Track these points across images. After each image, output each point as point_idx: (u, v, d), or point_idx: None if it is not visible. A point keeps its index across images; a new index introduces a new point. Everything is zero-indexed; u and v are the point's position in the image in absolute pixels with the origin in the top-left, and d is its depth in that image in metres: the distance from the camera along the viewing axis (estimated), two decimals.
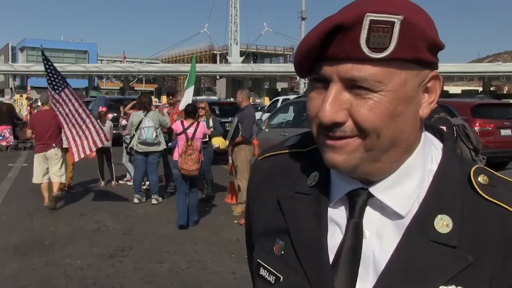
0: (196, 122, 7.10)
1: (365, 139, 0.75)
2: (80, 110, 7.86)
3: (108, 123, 10.22)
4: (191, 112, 7.20)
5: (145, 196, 8.60)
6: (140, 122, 8.29)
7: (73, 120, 7.81)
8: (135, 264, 5.37)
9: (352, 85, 0.74)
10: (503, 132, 10.65)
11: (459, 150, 4.60)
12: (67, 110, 7.79)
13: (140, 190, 8.57)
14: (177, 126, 7.12)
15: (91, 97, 31.44)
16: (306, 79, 0.85)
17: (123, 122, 10.14)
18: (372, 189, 0.81)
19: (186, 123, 7.05)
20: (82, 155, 8.00)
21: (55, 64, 8.26)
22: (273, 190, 0.92)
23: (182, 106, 9.19)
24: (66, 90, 7.86)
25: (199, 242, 6.22)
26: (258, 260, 0.91)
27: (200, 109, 8.69)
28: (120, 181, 10.32)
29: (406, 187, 0.80)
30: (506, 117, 10.88)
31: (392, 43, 0.71)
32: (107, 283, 4.84)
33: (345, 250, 0.80)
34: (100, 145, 8.12)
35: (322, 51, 0.75)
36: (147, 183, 8.96)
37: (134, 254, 5.74)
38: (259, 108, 19.65)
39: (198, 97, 26.47)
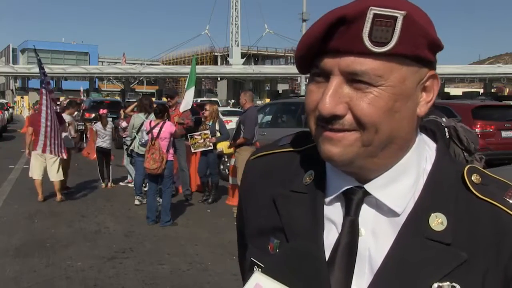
0: (162, 122, 7.20)
1: (363, 133, 0.76)
2: (53, 114, 8.30)
3: (109, 125, 10.21)
4: (159, 112, 7.38)
5: (145, 198, 8.59)
6: (141, 124, 8.29)
7: (49, 121, 8.23)
8: (136, 266, 5.37)
9: (353, 79, 0.75)
10: (504, 134, 10.64)
11: (452, 151, 4.65)
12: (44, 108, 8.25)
13: (141, 191, 8.56)
14: (146, 126, 7.38)
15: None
16: (307, 80, 0.85)
17: (123, 124, 10.15)
18: (368, 187, 0.81)
19: (154, 123, 7.23)
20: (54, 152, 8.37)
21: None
22: (267, 189, 0.91)
23: (182, 107, 9.19)
24: (43, 90, 8.36)
25: (200, 243, 6.22)
26: (252, 259, 0.90)
27: (204, 111, 8.67)
28: (120, 183, 10.33)
29: (401, 185, 0.81)
30: (507, 118, 10.86)
31: (394, 37, 0.72)
32: (108, 284, 4.84)
33: (341, 248, 0.80)
34: (59, 155, 8.45)
35: (324, 44, 0.75)
36: (148, 184, 8.95)
37: (135, 255, 5.73)
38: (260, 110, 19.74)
39: (199, 99, 26.54)
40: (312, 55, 0.78)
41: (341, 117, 0.76)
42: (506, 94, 42.06)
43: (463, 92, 41.22)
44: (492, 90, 49.08)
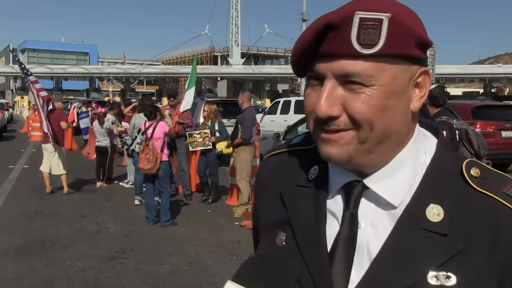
0: (155, 122, 7.24)
1: (359, 131, 0.79)
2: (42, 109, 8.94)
3: (106, 124, 10.18)
4: (150, 115, 7.40)
5: None
6: None
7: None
8: (136, 266, 5.37)
9: (346, 80, 0.78)
10: (504, 134, 10.65)
11: (460, 154, 4.60)
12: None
13: (141, 191, 8.55)
14: (141, 126, 7.47)
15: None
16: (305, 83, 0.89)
17: (124, 124, 10.13)
18: (366, 181, 0.84)
19: (148, 124, 7.28)
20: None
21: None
22: (277, 185, 0.96)
23: (182, 107, 9.18)
24: (31, 86, 9.04)
25: (200, 243, 6.22)
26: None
27: (203, 112, 8.65)
28: (120, 183, 10.33)
29: (398, 178, 0.83)
30: (507, 118, 10.88)
31: (381, 39, 0.75)
32: (108, 284, 4.84)
33: (342, 239, 0.83)
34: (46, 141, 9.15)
35: (316, 49, 0.79)
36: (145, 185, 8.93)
37: (135, 255, 5.73)
38: (259, 110, 19.65)
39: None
40: (306, 60, 0.82)
41: (336, 118, 0.79)
42: (506, 94, 42.03)
43: (463, 92, 41.17)
44: (492, 90, 49.01)
